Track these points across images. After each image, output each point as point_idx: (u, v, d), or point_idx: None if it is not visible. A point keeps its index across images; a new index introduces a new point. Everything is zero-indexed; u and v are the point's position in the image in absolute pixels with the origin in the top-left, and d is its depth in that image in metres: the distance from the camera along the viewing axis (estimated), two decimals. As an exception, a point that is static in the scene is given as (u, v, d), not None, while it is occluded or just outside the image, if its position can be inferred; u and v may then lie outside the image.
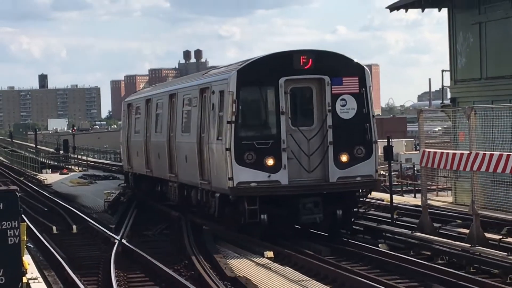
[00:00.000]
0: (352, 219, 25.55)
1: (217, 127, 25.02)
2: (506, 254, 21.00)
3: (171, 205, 36.66)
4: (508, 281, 19.46)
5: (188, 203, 31.46)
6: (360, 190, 26.74)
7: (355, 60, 26.15)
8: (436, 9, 39.49)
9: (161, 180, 35.63)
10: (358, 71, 24.97)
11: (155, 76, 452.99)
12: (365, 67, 25.14)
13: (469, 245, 22.94)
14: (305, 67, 24.39)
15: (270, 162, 23.52)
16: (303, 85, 24.71)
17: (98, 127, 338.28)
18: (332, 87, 24.21)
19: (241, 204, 24.03)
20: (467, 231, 24.33)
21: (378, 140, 25.54)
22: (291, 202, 23.99)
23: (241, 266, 22.85)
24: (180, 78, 45.35)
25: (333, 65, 25.00)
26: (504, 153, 23.03)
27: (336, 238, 25.89)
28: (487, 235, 23.92)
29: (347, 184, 24.23)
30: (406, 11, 39.65)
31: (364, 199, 26.45)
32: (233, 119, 23.48)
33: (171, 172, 32.01)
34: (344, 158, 23.95)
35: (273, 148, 23.66)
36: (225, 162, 23.71)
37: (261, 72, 24.65)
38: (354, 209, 25.75)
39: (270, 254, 24.24)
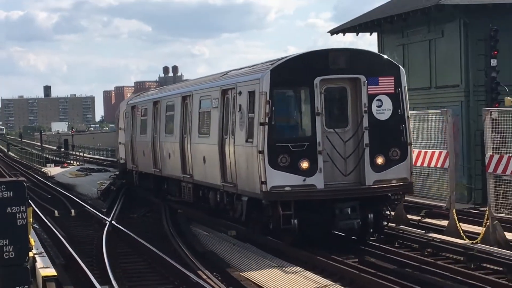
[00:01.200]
0: (384, 223, 20.79)
1: (246, 129, 20.49)
2: None
3: (151, 192, 35.87)
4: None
5: (205, 202, 26.75)
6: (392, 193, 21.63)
7: (390, 60, 22.04)
8: (368, 33, 41.44)
9: (167, 178, 31.13)
10: (393, 70, 20.53)
11: (140, 87, 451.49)
12: (400, 66, 21.06)
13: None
14: (341, 66, 19.90)
15: (305, 165, 19.02)
16: (337, 85, 20.18)
17: (92, 129, 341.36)
18: (368, 87, 19.87)
19: (274, 209, 19.39)
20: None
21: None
22: (327, 207, 19.42)
23: (209, 242, 22.97)
24: (192, 80, 39.65)
25: (369, 64, 20.56)
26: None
27: (365, 242, 21.19)
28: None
29: (383, 187, 19.83)
30: (344, 35, 41.01)
31: (398, 202, 21.31)
32: (267, 121, 19.07)
33: (185, 173, 27.27)
34: (379, 160, 19.62)
35: (308, 151, 19.14)
36: (257, 165, 19.24)
37: (295, 72, 20.00)
38: (386, 212, 20.87)
39: (233, 232, 24.06)
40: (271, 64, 20.49)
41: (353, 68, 19.94)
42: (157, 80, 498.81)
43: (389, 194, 20.93)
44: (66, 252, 23.03)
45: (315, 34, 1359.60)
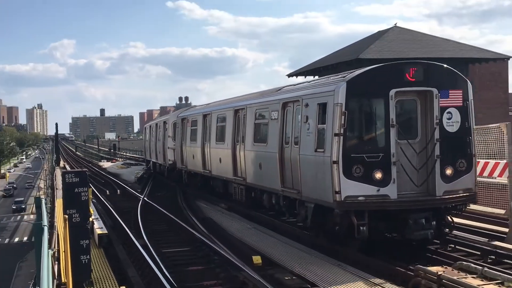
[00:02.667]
0: (447, 230, 15.39)
1: (315, 139, 15.52)
2: None
3: (171, 179, 34.03)
4: None
5: (257, 203, 21.10)
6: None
7: (459, 73, 16.76)
8: (312, 76, 40.02)
9: (214, 178, 25.84)
10: (462, 84, 15.83)
11: (163, 110, 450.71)
12: (467, 80, 16.29)
13: None
14: (415, 79, 15.03)
15: (379, 175, 14.15)
16: (408, 97, 15.39)
17: (132, 137, 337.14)
18: (440, 99, 15.30)
19: (346, 218, 14.31)
20: None
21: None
22: (400, 217, 14.35)
23: (208, 212, 22.93)
24: (239, 97, 26.39)
25: (440, 78, 15.78)
26: None
27: (427, 249, 15.52)
28: None
29: (452, 198, 15.12)
30: (296, 77, 40.72)
31: (461, 212, 16.11)
32: (342, 132, 14.23)
33: (236, 175, 22.10)
34: (449, 171, 15.03)
35: (383, 162, 14.26)
36: (330, 175, 14.24)
37: (370, 83, 15.20)
38: (449, 220, 15.50)
39: (222, 205, 24.11)
40: (344, 77, 15.44)
41: (426, 81, 15.31)
42: (175, 105, 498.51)
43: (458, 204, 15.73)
44: (113, 217, 23.13)
45: (277, 77, 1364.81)
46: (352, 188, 14.06)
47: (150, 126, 43.32)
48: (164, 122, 35.32)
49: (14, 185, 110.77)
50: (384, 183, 14.04)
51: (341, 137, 14.18)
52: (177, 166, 31.77)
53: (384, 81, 14.83)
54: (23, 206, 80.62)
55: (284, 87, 20.02)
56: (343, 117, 14.25)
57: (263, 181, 19.24)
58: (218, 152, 24.19)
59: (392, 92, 14.52)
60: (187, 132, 29.58)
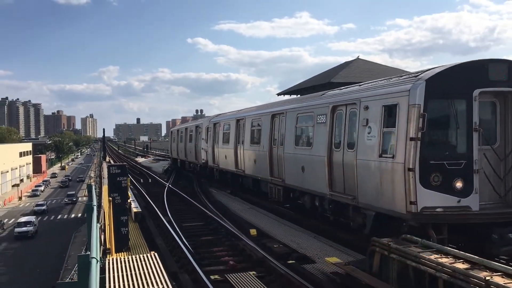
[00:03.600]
0: None
1: (379, 144, 11.16)
2: None
3: (203, 176, 30.30)
4: None
5: (294, 203, 16.92)
6: None
7: None
8: (295, 95, 38.60)
9: (246, 177, 21.54)
10: None
11: (184, 119, 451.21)
12: None
13: None
14: (500, 79, 10.39)
15: (460, 185, 9.82)
16: (488, 99, 10.75)
17: (160, 139, 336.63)
18: None
19: (421, 231, 9.65)
20: None
21: None
22: (481, 230, 9.90)
23: (217, 196, 22.83)
24: (272, 103, 21.49)
25: None
26: None
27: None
28: None
29: None
30: (284, 95, 39.58)
31: None
32: (419, 136, 9.89)
33: (273, 176, 17.54)
34: None
35: (465, 169, 9.87)
36: (404, 183, 9.89)
37: (452, 82, 10.47)
38: None
39: (228, 191, 23.85)
40: (416, 77, 10.69)
41: (510, 81, 10.54)
42: (192, 116, 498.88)
43: None
44: (146, 199, 22.93)
45: (269, 95, 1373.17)
46: (430, 199, 9.84)
47: (178, 130, 39.96)
48: (197, 127, 31.88)
49: (70, 177, 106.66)
50: (465, 193, 9.87)
51: (418, 142, 9.93)
52: (208, 164, 28.02)
53: (466, 80, 10.37)
54: (74, 199, 74.77)
55: (327, 92, 15.75)
56: (421, 119, 9.92)
57: (306, 183, 14.68)
58: (253, 153, 20.14)
59: (476, 92, 10.15)
60: (219, 135, 25.81)
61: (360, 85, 13.53)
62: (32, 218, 54.96)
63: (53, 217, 63.69)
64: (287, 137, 16.36)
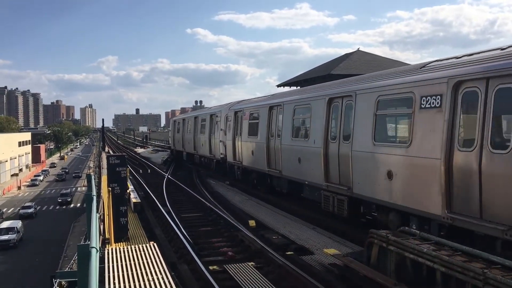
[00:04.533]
0: None
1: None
2: None
3: (190, 163, 32.46)
4: None
5: (339, 211, 12.40)
6: None
7: None
8: (295, 87, 38.33)
9: (282, 178, 16.49)
10: None
11: (183, 110, 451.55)
12: None
13: None
14: None
15: None
16: None
17: (160, 130, 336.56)
18: None
19: None
20: None
21: None
22: None
23: (216, 187, 22.80)
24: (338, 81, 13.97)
25: None
26: None
27: None
28: None
29: None
30: (284, 87, 39.22)
31: None
32: None
33: (329, 181, 12.69)
34: None
35: None
36: None
37: None
38: None
39: (227, 182, 23.79)
40: None
41: None
42: (192, 107, 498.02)
43: None
44: (145, 190, 23.06)
45: (269, 87, 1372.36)
46: None
47: (185, 120, 35.47)
48: (212, 115, 27.25)
49: (67, 170, 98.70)
50: None
51: None
52: (228, 160, 23.10)
53: None
54: (69, 200, 63.93)
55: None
56: None
57: (393, 195, 10.06)
58: (296, 150, 14.96)
59: None
60: (242, 126, 20.85)
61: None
62: (16, 223, 44.25)
63: (42, 221, 52.07)
64: (357, 129, 11.56)
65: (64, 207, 61.55)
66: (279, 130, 16.65)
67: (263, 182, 19.28)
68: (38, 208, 59.30)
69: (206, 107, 33.17)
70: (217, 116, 26.19)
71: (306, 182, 14.41)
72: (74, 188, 75.44)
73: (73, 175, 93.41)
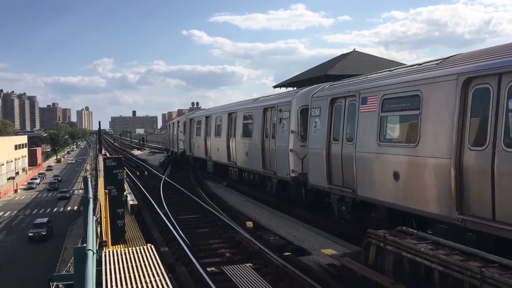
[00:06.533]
0: None
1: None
2: None
3: (188, 164, 32.19)
4: None
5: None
6: None
7: None
8: (291, 88, 38.21)
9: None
10: None
11: (179, 112, 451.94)
12: None
13: None
14: None
15: None
16: None
17: (156, 132, 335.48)
18: None
19: None
20: None
21: None
22: None
23: (214, 188, 22.74)
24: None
25: None
26: None
27: None
28: None
29: None
30: (280, 88, 39.05)
31: None
32: None
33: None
34: None
35: None
36: None
37: None
38: None
39: (224, 183, 23.61)
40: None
41: None
42: (188, 108, 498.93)
43: None
44: (142, 192, 22.99)
45: (265, 88, 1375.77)
46: None
47: (192, 120, 30.98)
48: (230, 114, 22.20)
49: (59, 178, 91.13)
50: None
51: None
52: (263, 172, 17.96)
53: None
54: (67, 195, 69.77)
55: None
56: None
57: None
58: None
59: None
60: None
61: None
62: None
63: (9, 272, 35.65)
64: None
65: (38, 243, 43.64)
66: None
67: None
68: (51, 226, 46.49)
69: (253, 99, 21.87)
70: (259, 113, 18.46)
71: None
72: (57, 209, 61.81)
73: (58, 195, 70.89)
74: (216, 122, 24.43)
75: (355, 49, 39.88)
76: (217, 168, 25.24)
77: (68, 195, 70.26)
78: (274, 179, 16.62)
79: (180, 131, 34.21)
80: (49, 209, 63.26)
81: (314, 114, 13.52)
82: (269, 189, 17.57)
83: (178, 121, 36.60)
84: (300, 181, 14.94)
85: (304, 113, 14.84)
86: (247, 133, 19.59)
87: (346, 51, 43.83)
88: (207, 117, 26.55)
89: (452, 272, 6.86)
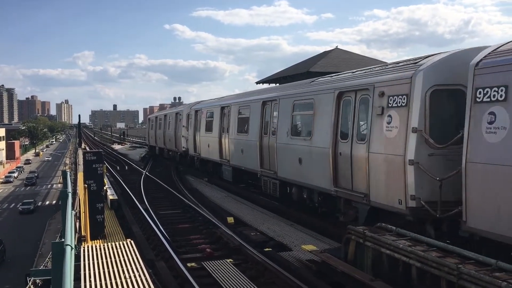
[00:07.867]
0: None
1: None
2: None
3: (168, 158, 32.59)
4: None
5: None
6: None
7: None
8: (274, 84, 38.13)
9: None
10: None
11: (161, 107, 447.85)
12: None
13: None
14: None
15: None
16: None
17: (137, 126, 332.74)
18: None
19: None
20: None
21: None
22: None
23: (195, 184, 22.67)
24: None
25: None
26: None
27: None
28: None
29: None
30: (263, 84, 39.22)
31: None
32: None
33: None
34: None
35: None
36: None
37: None
38: None
39: (205, 179, 23.65)
40: None
41: None
42: (170, 103, 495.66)
43: None
44: (122, 187, 22.82)
45: (247, 84, 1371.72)
46: None
47: (198, 111, 24.69)
48: (265, 102, 16.25)
49: (36, 174, 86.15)
50: None
51: None
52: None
53: None
54: (31, 208, 54.07)
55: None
56: None
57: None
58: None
59: None
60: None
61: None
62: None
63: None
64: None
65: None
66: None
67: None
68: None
69: (288, 84, 17.68)
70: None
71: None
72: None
73: (20, 208, 55.62)
74: (239, 114, 17.89)
75: (337, 47, 40.21)
76: (238, 175, 18.86)
77: (32, 208, 54.41)
78: (366, 206, 10.14)
79: (183, 126, 26.53)
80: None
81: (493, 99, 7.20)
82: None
83: (177, 114, 28.69)
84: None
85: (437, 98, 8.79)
86: (296, 131, 13.62)
87: (328, 48, 44.04)
88: (223, 108, 19.90)
89: (429, 268, 6.95)
